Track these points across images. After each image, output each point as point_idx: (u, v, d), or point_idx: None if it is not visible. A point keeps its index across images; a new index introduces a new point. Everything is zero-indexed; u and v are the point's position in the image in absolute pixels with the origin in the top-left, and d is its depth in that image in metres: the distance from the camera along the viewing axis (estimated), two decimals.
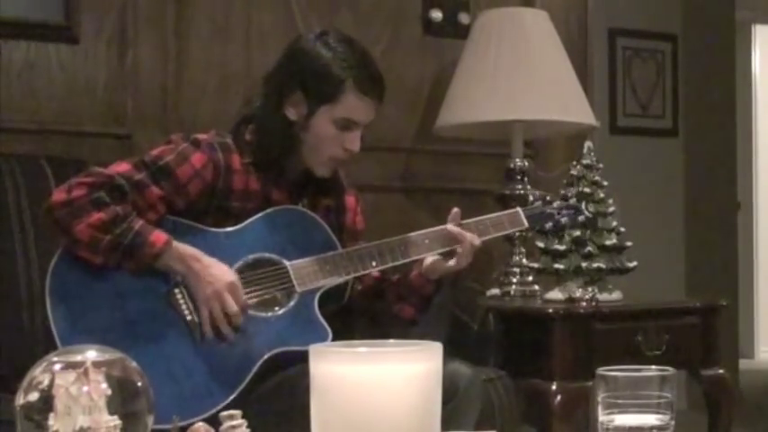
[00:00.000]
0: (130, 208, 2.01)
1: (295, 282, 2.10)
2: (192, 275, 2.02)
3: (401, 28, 3.32)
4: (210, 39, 3.02)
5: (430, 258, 2.20)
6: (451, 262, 2.18)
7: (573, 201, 2.39)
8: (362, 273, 2.18)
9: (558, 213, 2.35)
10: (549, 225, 2.36)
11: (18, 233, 2.33)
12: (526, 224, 2.30)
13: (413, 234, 2.20)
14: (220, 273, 2.02)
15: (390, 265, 2.18)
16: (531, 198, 2.40)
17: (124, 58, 2.89)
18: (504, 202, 2.98)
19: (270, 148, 2.15)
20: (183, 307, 2.03)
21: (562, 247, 2.78)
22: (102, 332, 1.96)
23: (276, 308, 2.09)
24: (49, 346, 1.92)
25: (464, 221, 2.23)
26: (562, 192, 2.67)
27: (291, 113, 2.15)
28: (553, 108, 3.06)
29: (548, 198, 2.37)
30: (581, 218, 2.38)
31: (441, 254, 2.19)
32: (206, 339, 2.02)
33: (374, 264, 2.16)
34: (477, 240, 2.18)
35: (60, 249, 2.03)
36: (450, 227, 2.19)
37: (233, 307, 2.01)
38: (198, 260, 2.02)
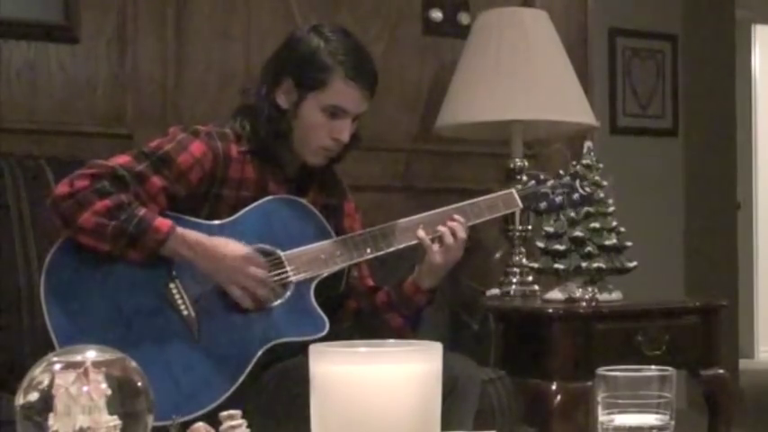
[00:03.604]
0: (133, 197, 2.02)
1: (290, 272, 2.10)
2: (202, 262, 2.02)
3: (401, 28, 3.32)
4: (210, 39, 3.02)
5: (425, 260, 2.19)
6: (439, 255, 2.16)
7: (567, 179, 2.36)
8: (358, 260, 2.18)
9: (553, 192, 2.32)
10: (543, 205, 2.32)
11: (18, 233, 2.33)
12: (521, 204, 2.29)
13: (405, 219, 2.20)
14: (231, 249, 2.03)
15: (385, 251, 2.17)
16: (524, 178, 2.37)
17: (124, 58, 2.89)
18: None
19: (262, 136, 2.16)
20: (179, 302, 2.03)
21: (562, 247, 2.78)
22: (98, 330, 1.96)
23: (272, 299, 2.08)
24: (49, 346, 1.93)
25: (458, 204, 2.23)
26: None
27: (282, 101, 2.16)
28: (553, 108, 3.06)
29: (542, 177, 2.34)
30: (575, 196, 2.34)
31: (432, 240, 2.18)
32: (203, 334, 2.02)
33: (369, 251, 2.16)
34: (462, 232, 2.17)
35: (54, 248, 2.04)
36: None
37: (259, 273, 2.02)
38: (203, 245, 2.02)
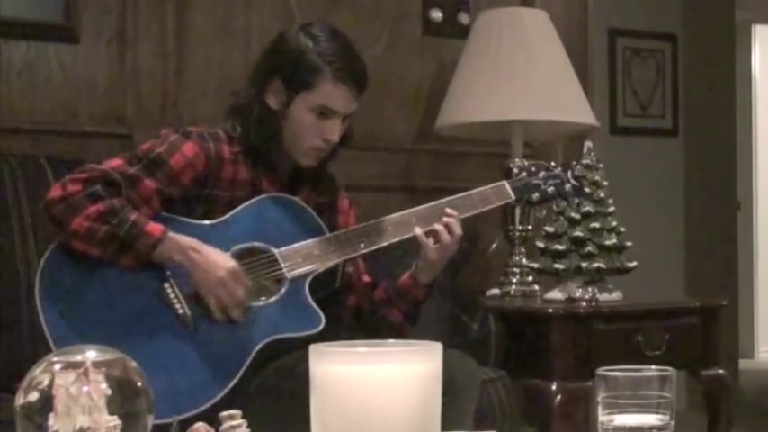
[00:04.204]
0: (126, 201, 2.02)
1: (284, 268, 2.10)
2: (192, 266, 2.02)
3: (401, 28, 3.32)
4: (210, 39, 3.02)
5: (422, 255, 2.19)
6: (435, 251, 2.16)
7: (558, 170, 2.35)
8: (352, 255, 2.18)
9: (545, 183, 2.32)
10: (535, 196, 2.32)
11: (18, 233, 2.33)
12: (513, 196, 2.29)
13: (399, 213, 2.20)
14: (221, 261, 2.02)
15: (378, 246, 2.17)
16: (515, 170, 2.37)
17: (124, 58, 2.89)
18: None
19: (252, 137, 2.16)
20: (175, 301, 2.03)
21: (562, 247, 2.78)
22: (93, 330, 1.96)
23: (267, 296, 2.08)
24: (49, 346, 1.93)
25: (450, 198, 2.23)
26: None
27: (272, 102, 2.16)
28: (553, 108, 3.06)
29: (533, 169, 2.34)
30: (567, 186, 2.34)
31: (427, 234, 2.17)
32: (199, 332, 2.02)
33: (362, 246, 2.16)
34: (458, 229, 2.17)
35: (50, 249, 2.04)
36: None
37: (239, 293, 2.02)
38: (196, 250, 2.02)
